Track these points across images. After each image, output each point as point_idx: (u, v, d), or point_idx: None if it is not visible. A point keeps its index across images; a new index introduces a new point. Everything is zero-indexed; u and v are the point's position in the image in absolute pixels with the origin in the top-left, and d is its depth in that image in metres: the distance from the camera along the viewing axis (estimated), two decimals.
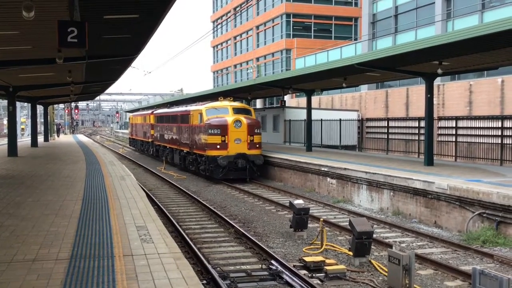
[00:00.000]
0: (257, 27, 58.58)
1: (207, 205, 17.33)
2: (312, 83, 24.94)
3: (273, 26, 54.74)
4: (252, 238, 12.39)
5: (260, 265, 10.42)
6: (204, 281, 9.21)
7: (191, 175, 27.87)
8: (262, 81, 26.57)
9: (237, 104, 26.43)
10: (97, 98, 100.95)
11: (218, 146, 23.27)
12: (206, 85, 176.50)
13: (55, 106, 61.16)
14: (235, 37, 65.77)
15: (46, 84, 26.18)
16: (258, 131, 24.32)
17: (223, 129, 23.50)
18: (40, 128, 59.49)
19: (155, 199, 18.22)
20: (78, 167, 19.94)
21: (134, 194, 12.85)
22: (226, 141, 23.44)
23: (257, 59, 57.87)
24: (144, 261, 6.63)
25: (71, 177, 16.48)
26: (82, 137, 59.98)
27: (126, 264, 6.49)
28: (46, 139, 45.53)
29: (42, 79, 23.24)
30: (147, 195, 18.85)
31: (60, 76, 21.67)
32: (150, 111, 41.59)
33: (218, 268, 10.03)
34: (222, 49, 71.16)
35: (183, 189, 21.30)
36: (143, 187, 21.36)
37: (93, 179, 16.14)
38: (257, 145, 24.05)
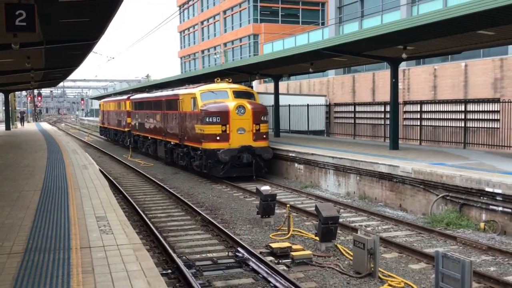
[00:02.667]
0: (224, 12, 57.94)
1: (174, 192, 17.09)
2: (279, 68, 24.80)
3: (240, 11, 54.23)
4: (219, 226, 12.26)
5: (227, 253, 10.31)
6: (169, 271, 9.05)
7: (158, 162, 27.47)
8: (229, 66, 26.26)
9: (237, 86, 22.29)
10: (61, 85, 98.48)
11: (217, 138, 19.41)
12: (174, 71, 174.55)
13: (17, 93, 59.30)
14: (202, 22, 64.94)
15: (4, 71, 25.23)
16: (265, 119, 20.45)
17: (223, 116, 19.50)
18: (2, 116, 57.72)
19: (120, 188, 17.86)
20: (39, 156, 19.34)
21: (96, 183, 12.50)
22: (228, 131, 19.50)
23: (225, 44, 57.32)
24: (102, 253, 6.40)
25: (31, 167, 15.95)
26: (46, 125, 58.44)
27: (83, 257, 6.25)
28: (8, 128, 44.18)
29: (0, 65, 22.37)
30: (112, 184, 18.56)
31: (19, 62, 20.87)
32: (125, 97, 36.77)
33: (183, 257, 9.87)
34: (189, 34, 70.20)
35: (150, 177, 20.97)
36: (108, 175, 20.96)
37: (54, 168, 15.66)
38: (264, 136, 20.28)
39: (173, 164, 24.29)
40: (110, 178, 20.40)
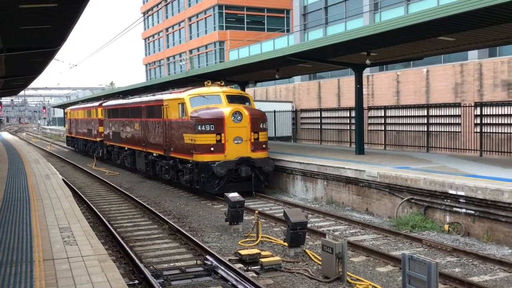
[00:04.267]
0: (189, 19, 57.73)
1: (140, 201, 16.82)
2: (246, 74, 24.84)
3: (205, 18, 54.14)
4: (187, 234, 12.13)
5: (195, 261, 10.19)
6: (136, 281, 8.87)
7: (124, 171, 27.02)
8: (195, 73, 26.12)
9: (231, 90, 20.20)
10: (22, 93, 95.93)
11: (212, 149, 17.01)
12: (138, 78, 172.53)
13: None
14: (167, 29, 64.49)
15: None
16: (264, 126, 18.20)
17: (217, 124, 17.18)
18: None
19: (84, 198, 17.47)
20: (0, 167, 18.74)
21: (60, 193, 12.19)
22: (223, 141, 17.21)
23: (191, 51, 57.09)
24: (66, 265, 6.22)
25: None
26: (6, 135, 56.78)
27: (46, 269, 6.06)
28: None
29: None
30: (76, 194, 18.14)
31: None
32: (97, 103, 33.61)
33: (151, 267, 9.71)
34: (154, 41, 69.59)
35: (115, 186, 20.59)
36: (72, 185, 20.49)
37: (15, 178, 15.20)
38: (264, 145, 17.99)
39: (155, 178, 22.44)
40: (74, 188, 19.93)
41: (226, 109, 17.45)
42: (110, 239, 12.04)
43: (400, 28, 12.66)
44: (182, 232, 12.34)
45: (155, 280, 8.65)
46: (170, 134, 19.53)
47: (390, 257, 10.14)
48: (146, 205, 16.07)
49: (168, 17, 64.14)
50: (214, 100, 18.17)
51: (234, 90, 20.45)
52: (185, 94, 18.59)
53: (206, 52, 54.10)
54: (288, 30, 48.81)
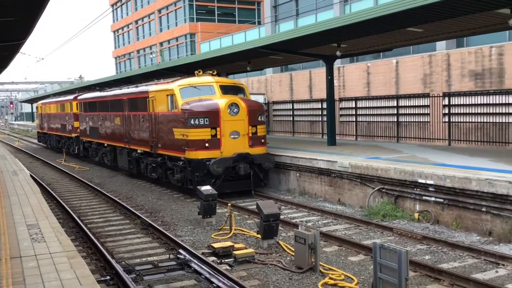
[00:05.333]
0: (159, 11, 57.00)
1: (111, 196, 16.59)
2: (217, 67, 24.55)
3: (175, 10, 53.55)
4: (159, 228, 12.03)
5: (168, 255, 10.11)
6: (108, 277, 8.76)
7: (94, 166, 26.60)
8: (166, 66, 25.84)
9: (224, 79, 18.73)
10: None
11: (206, 144, 15.65)
12: (108, 71, 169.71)
13: None
14: (136, 21, 63.55)
15: None
16: (262, 119, 16.96)
17: (212, 117, 15.81)
18: None
19: (54, 194, 17.13)
20: None
21: (27, 190, 11.92)
22: (218, 136, 15.85)
23: (161, 44, 56.43)
24: (34, 262, 6.08)
25: None
26: None
27: (13, 267, 5.91)
28: None
29: None
30: (45, 191, 17.78)
31: None
32: (71, 97, 31.59)
33: (123, 262, 9.59)
34: (123, 33, 68.51)
35: (86, 181, 20.26)
36: (41, 181, 20.08)
37: None
38: (262, 140, 16.74)
39: (139, 176, 21.02)
40: (43, 184, 19.54)
41: (221, 101, 16.05)
42: (81, 235, 11.85)
43: (369, 19, 12.75)
44: (155, 226, 12.23)
45: (127, 275, 8.55)
46: (157, 129, 17.99)
47: (361, 246, 10.27)
48: (118, 200, 15.87)
49: (137, 9, 63.20)
50: (206, 91, 16.75)
51: (228, 80, 18.87)
52: (175, 85, 17.01)
53: (177, 45, 53.57)
54: (259, 22, 48.71)
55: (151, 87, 18.98)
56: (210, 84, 16.94)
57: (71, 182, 21.11)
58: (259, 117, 16.75)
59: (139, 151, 20.04)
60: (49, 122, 38.04)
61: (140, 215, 13.57)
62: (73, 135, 30.47)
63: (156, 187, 19.10)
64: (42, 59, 57.05)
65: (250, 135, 16.38)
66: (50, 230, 7.75)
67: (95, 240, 10.92)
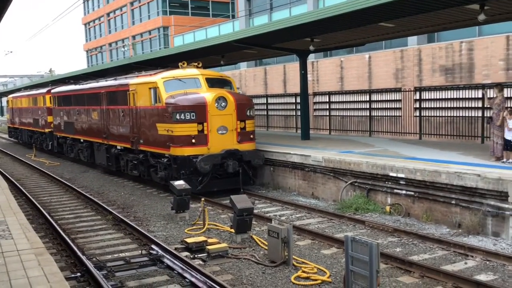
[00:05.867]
0: (132, 3, 56.22)
1: (82, 192, 16.33)
2: (190, 61, 24.39)
3: (148, 3, 52.87)
4: (131, 224, 11.89)
5: (140, 251, 10.00)
6: (79, 274, 8.62)
7: (66, 161, 26.14)
8: (138, 59, 25.50)
9: (210, 72, 17.86)
10: None
11: (193, 140, 14.92)
12: (79, 65, 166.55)
13: None
14: (108, 14, 62.54)
15: None
16: (251, 113, 16.23)
17: (199, 112, 15.05)
18: None
19: (23, 190, 16.77)
20: None
21: None
22: (205, 132, 15.10)
23: (134, 37, 55.69)
24: (1, 260, 5.92)
25: None
26: None
27: None
28: None
29: None
30: (14, 186, 17.39)
31: None
32: (44, 90, 30.34)
33: (94, 259, 9.45)
34: (94, 26, 67.35)
35: (56, 177, 19.89)
36: (10, 177, 19.64)
37: None
38: (251, 136, 16.10)
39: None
40: (12, 179, 19.11)
41: (208, 94, 15.29)
42: (51, 231, 11.64)
43: (341, 14, 12.80)
44: (127, 222, 12.09)
45: (97, 272, 8.42)
46: (139, 124, 17.10)
47: (334, 240, 10.35)
48: (89, 196, 15.63)
49: (109, 1, 62.18)
50: (191, 84, 15.96)
51: (214, 73, 18.05)
52: (158, 77, 16.16)
53: (150, 38, 52.97)
54: (233, 16, 48.50)
55: (131, 80, 18.04)
56: (195, 76, 16.20)
57: (41, 178, 20.70)
58: (248, 111, 16.04)
59: (118, 147, 19.17)
60: (20, 116, 36.73)
61: (112, 210, 13.39)
62: (47, 130, 29.29)
63: (129, 182, 18.88)
64: (11, 52, 55.73)
65: (239, 130, 15.70)
66: (18, 227, 7.57)
67: (66, 237, 10.73)
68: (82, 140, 23.47)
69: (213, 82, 16.42)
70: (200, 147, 15.03)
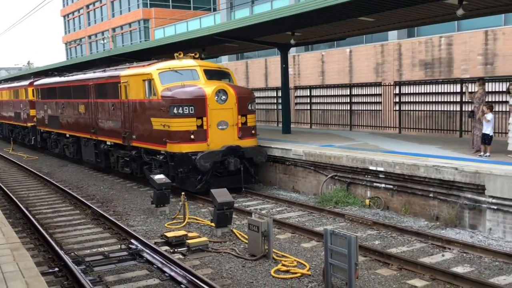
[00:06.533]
0: None
1: (61, 186, 16.13)
2: (171, 54, 24.23)
3: None
4: (111, 218, 11.78)
5: (119, 246, 9.92)
6: (56, 269, 8.52)
7: (44, 155, 25.78)
8: (118, 52, 25.22)
9: (209, 63, 16.95)
10: None
11: (192, 136, 14.00)
12: (58, 57, 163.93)
13: None
14: (87, 6, 61.65)
15: None
16: (252, 108, 15.28)
17: (198, 106, 14.09)
18: None
19: (0, 184, 16.48)
20: None
21: None
22: (205, 127, 14.20)
23: (114, 29, 55.03)
24: None
25: None
26: None
27: None
28: None
29: None
30: None
31: None
32: (26, 82, 28.94)
33: (72, 253, 9.35)
34: (74, 18, 66.35)
35: (34, 171, 19.60)
36: None
37: None
38: (253, 131, 15.18)
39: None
40: None
41: (207, 87, 14.33)
42: (29, 226, 11.47)
43: (322, 8, 12.80)
44: (106, 216, 11.98)
45: (76, 267, 8.33)
46: (131, 119, 16.09)
47: (314, 233, 10.40)
48: (68, 190, 15.45)
49: None
50: (188, 75, 14.99)
51: (212, 64, 17.24)
52: (153, 68, 15.14)
53: (130, 31, 52.40)
54: (214, 9, 48.23)
55: (123, 71, 16.95)
56: (193, 68, 15.19)
57: (19, 172, 20.39)
58: (249, 105, 15.11)
59: (108, 143, 18.09)
60: (1, 110, 35.37)
61: (91, 205, 13.25)
62: (29, 124, 28.00)
63: (108, 176, 18.70)
64: None
65: (240, 125, 14.74)
66: None
67: (43, 231, 10.58)
68: (68, 135, 22.41)
69: (211, 74, 15.51)
70: (199, 143, 14.11)
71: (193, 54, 16.02)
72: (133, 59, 24.92)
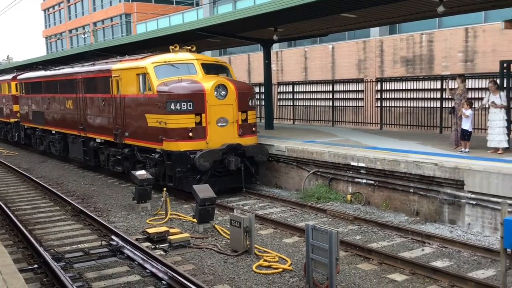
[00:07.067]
0: None
1: (40, 182, 15.92)
2: (153, 49, 24.05)
3: None
4: (91, 214, 11.67)
5: (100, 242, 9.84)
6: (36, 265, 8.42)
7: (24, 150, 25.39)
8: (99, 47, 24.95)
9: (206, 57, 16.37)
10: None
11: (190, 134, 13.26)
12: (38, 52, 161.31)
13: None
14: (68, 0, 60.86)
15: None
16: (253, 104, 14.64)
17: (197, 101, 13.36)
18: None
19: None
20: None
21: None
22: (204, 124, 13.49)
23: (95, 24, 54.40)
24: None
25: None
26: None
27: None
28: None
29: None
30: None
31: None
32: (9, 76, 27.91)
33: (51, 250, 9.24)
34: (54, 12, 65.41)
35: (13, 167, 19.31)
36: None
37: None
38: (253, 128, 14.54)
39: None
40: None
41: (206, 82, 13.63)
42: (7, 223, 11.31)
43: (304, 4, 12.82)
44: (86, 213, 11.85)
45: (55, 263, 8.24)
46: (123, 115, 15.29)
47: (296, 228, 10.44)
48: (47, 186, 15.25)
49: None
50: (185, 69, 14.24)
51: (210, 58, 16.60)
52: (148, 62, 14.33)
53: (112, 25, 51.85)
54: (197, 4, 47.96)
55: (114, 65, 16.08)
56: (190, 61, 14.46)
57: None
58: (250, 101, 14.42)
59: (98, 140, 17.26)
60: None
61: (71, 201, 13.11)
62: (12, 120, 26.95)
63: (89, 172, 18.51)
64: None
65: (240, 122, 14.06)
66: None
67: (22, 228, 10.44)
68: (54, 132, 21.36)
69: (209, 68, 14.78)
70: (198, 141, 13.38)
71: (189, 47, 15.26)
72: (115, 53, 24.69)
